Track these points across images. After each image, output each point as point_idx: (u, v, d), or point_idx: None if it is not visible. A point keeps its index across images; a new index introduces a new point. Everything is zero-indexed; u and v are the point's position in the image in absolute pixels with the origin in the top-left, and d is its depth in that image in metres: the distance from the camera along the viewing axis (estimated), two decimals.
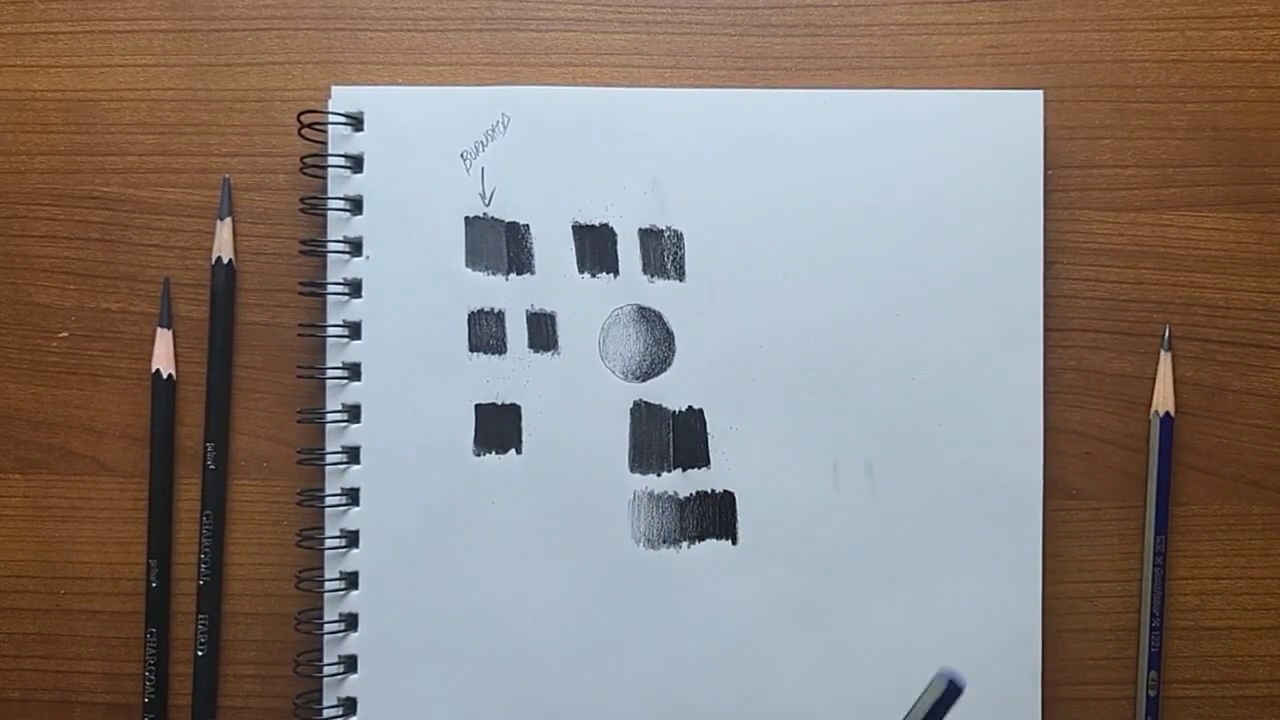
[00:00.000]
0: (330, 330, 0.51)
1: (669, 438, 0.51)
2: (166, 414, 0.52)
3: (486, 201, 0.51)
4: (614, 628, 0.50)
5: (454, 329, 0.51)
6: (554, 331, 0.51)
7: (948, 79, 0.52)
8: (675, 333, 0.51)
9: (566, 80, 0.52)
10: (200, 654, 0.51)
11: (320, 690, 0.51)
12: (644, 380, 0.51)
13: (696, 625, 0.50)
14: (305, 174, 0.51)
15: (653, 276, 0.51)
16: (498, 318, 0.51)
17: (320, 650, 0.51)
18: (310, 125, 0.51)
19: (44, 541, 0.52)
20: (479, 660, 0.50)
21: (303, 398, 0.52)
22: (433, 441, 0.51)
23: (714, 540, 0.51)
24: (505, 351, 0.51)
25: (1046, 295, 0.51)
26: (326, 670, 0.50)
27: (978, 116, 0.51)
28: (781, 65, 0.52)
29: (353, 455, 0.51)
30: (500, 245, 0.51)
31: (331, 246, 0.51)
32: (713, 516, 0.51)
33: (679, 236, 0.51)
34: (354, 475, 0.51)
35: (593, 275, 0.51)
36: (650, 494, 0.51)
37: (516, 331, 0.51)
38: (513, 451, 0.51)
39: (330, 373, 0.51)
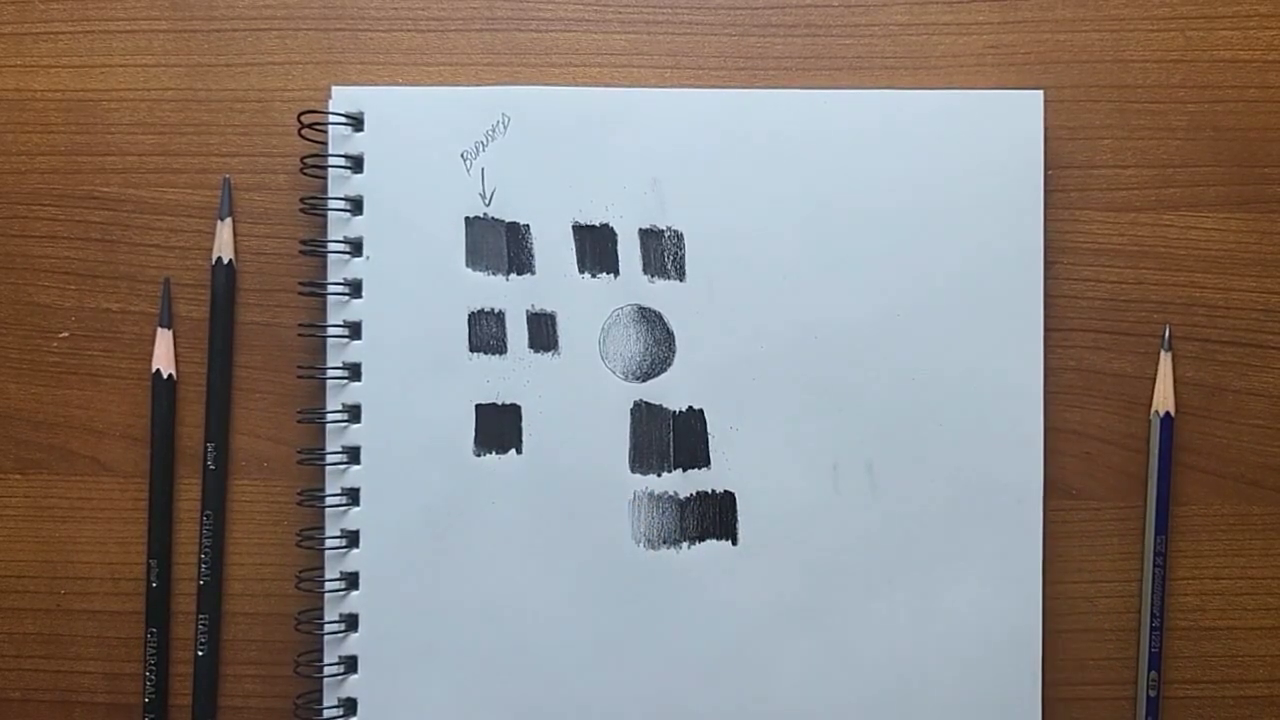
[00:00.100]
0: (330, 330, 0.51)
1: (669, 438, 0.51)
2: (166, 414, 0.52)
3: (487, 201, 0.51)
4: (614, 628, 0.50)
5: (454, 329, 0.51)
6: (554, 331, 0.51)
7: (948, 79, 0.52)
8: (675, 333, 0.51)
9: (566, 80, 0.52)
10: (200, 654, 0.51)
11: (320, 690, 0.51)
12: (644, 380, 0.51)
13: (696, 625, 0.50)
14: (305, 174, 0.51)
15: (653, 276, 0.51)
16: (498, 318, 0.51)
17: (320, 650, 0.51)
18: (310, 125, 0.51)
19: (44, 541, 0.52)
20: (479, 660, 0.50)
21: (303, 398, 0.52)
22: (433, 441, 0.51)
23: (714, 540, 0.51)
24: (505, 351, 0.51)
25: (1046, 295, 0.51)
26: (326, 670, 0.50)
27: (978, 116, 0.51)
28: (781, 65, 0.52)
29: (353, 455, 0.51)
30: (500, 245, 0.51)
31: (331, 246, 0.51)
32: (713, 517, 0.51)
33: (679, 236, 0.51)
34: (354, 475, 0.51)
35: (593, 275, 0.51)
36: (650, 494, 0.51)
37: (517, 331, 0.51)
38: (513, 451, 0.51)
39: (330, 373, 0.51)
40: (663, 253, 0.51)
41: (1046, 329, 0.51)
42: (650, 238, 0.51)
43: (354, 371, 0.51)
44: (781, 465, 0.51)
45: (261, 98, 0.53)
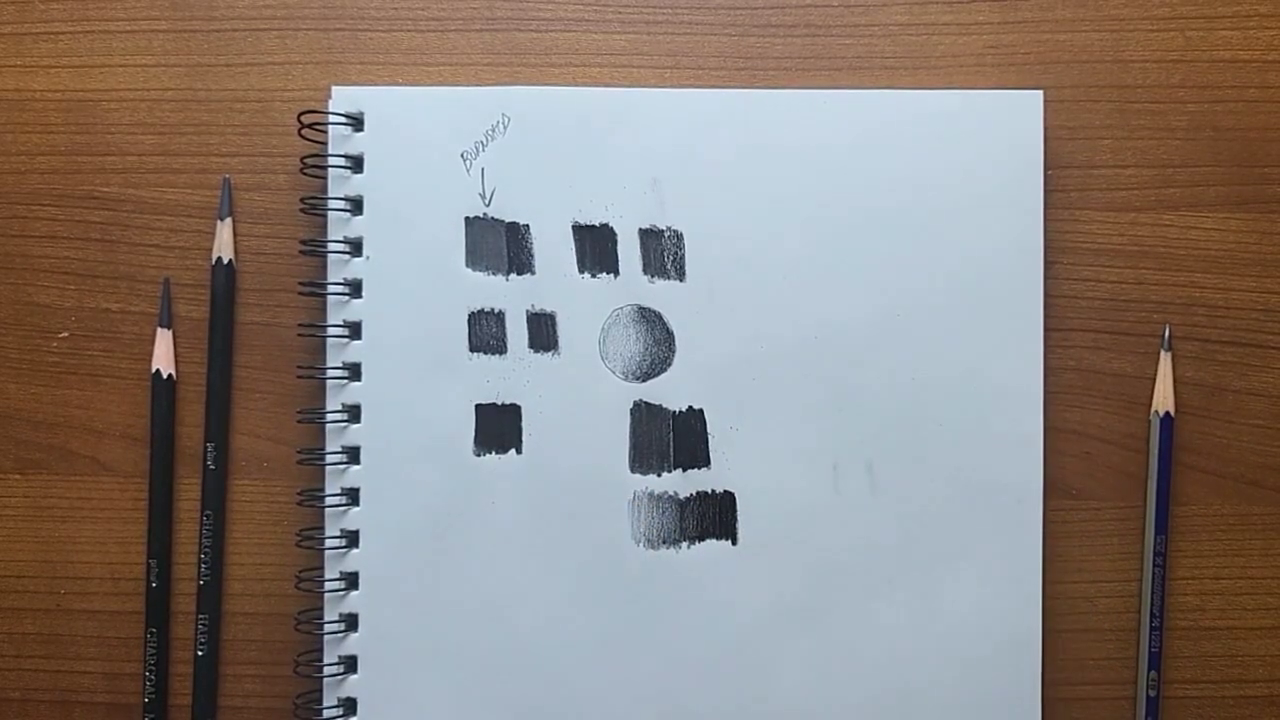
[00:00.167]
0: (330, 330, 0.51)
1: (669, 438, 0.51)
2: (166, 414, 0.52)
3: (486, 201, 0.51)
4: (614, 628, 0.50)
5: (454, 329, 0.51)
6: (554, 331, 0.51)
7: (948, 79, 0.52)
8: (675, 333, 0.51)
9: (566, 80, 0.52)
10: (200, 654, 0.51)
11: (320, 690, 0.51)
12: (644, 380, 0.51)
13: (696, 625, 0.50)
14: (305, 174, 0.51)
15: (653, 277, 0.51)
16: (498, 318, 0.51)
17: (320, 650, 0.51)
18: (310, 125, 0.51)
19: (44, 541, 0.52)
20: (479, 660, 0.50)
21: (303, 398, 0.52)
22: (433, 441, 0.51)
23: (714, 540, 0.51)
24: (505, 351, 0.51)
25: (1046, 295, 0.51)
26: (326, 670, 0.50)
27: (978, 116, 0.51)
28: (781, 65, 0.52)
29: (353, 455, 0.51)
30: (500, 245, 0.51)
31: (331, 247, 0.51)
32: (713, 517, 0.51)
33: (679, 236, 0.51)
34: (354, 475, 0.51)
35: (593, 275, 0.51)
36: (650, 494, 0.51)
37: (517, 331, 0.51)
38: (513, 451, 0.51)
39: (330, 373, 0.51)
40: (663, 253, 0.51)
41: (1046, 329, 0.51)
42: (650, 238, 0.51)
43: (354, 371, 0.51)
44: (781, 465, 0.51)
45: (261, 98, 0.53)
